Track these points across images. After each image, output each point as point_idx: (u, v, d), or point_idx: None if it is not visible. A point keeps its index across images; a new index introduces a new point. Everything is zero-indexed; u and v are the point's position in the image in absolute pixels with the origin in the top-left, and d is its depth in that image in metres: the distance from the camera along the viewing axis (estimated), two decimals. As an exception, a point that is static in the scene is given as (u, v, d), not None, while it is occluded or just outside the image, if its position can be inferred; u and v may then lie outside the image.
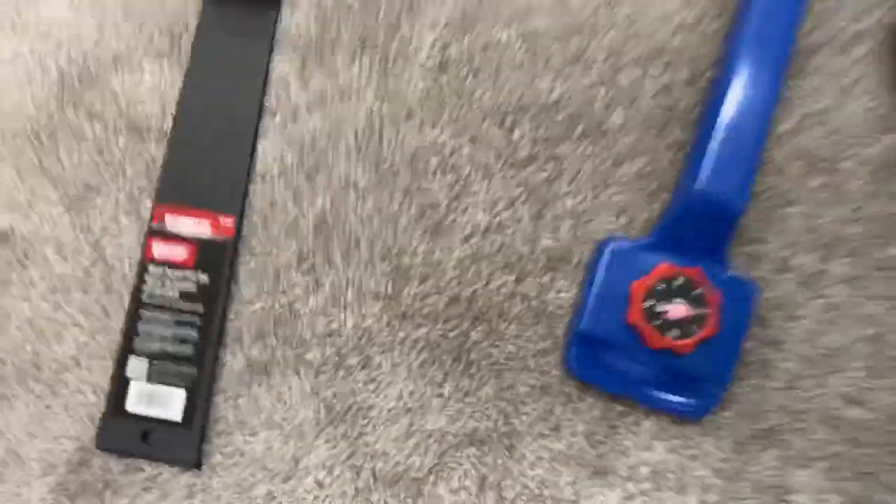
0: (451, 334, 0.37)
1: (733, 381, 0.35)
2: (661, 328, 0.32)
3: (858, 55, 0.38)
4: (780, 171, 0.37)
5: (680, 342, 0.32)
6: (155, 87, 0.39)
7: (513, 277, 0.37)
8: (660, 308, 0.33)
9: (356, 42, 0.39)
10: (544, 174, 0.38)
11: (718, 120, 0.33)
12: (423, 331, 0.37)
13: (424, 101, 0.38)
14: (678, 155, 0.37)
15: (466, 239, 0.37)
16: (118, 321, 0.37)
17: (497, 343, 0.37)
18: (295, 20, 0.39)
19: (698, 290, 0.33)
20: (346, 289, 0.37)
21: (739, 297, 0.33)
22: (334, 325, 0.37)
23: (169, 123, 0.38)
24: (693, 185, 0.33)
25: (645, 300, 0.33)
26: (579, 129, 0.38)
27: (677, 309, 0.32)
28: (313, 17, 0.39)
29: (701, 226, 0.33)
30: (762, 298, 0.35)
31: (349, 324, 0.37)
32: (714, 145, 0.33)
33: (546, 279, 0.37)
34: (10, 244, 0.38)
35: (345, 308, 0.37)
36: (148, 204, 0.38)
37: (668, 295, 0.33)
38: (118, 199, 0.38)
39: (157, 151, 0.38)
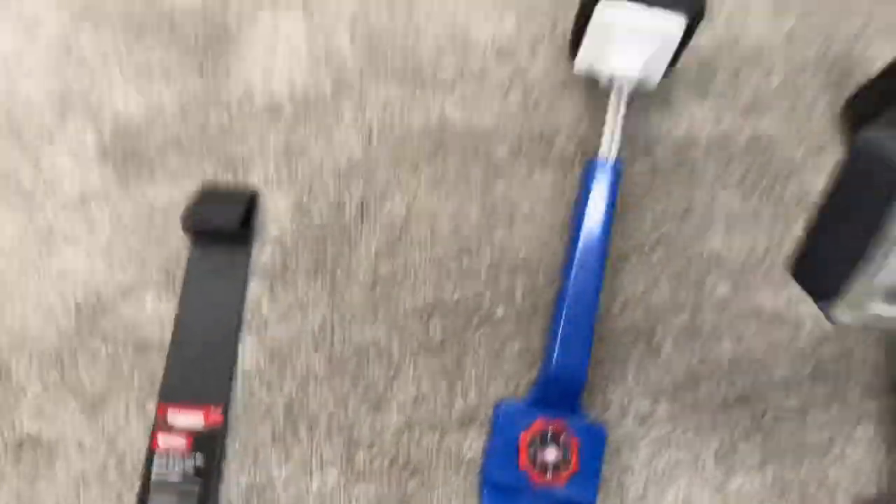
0: (394, 489, 0.48)
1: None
2: (542, 469, 0.46)
3: (659, 255, 0.55)
4: (616, 341, 0.53)
5: (554, 479, 0.45)
6: (155, 312, 0.51)
7: (437, 436, 0.50)
8: (539, 454, 0.46)
9: (311, 267, 0.53)
10: (454, 355, 0.52)
11: (561, 312, 0.49)
12: (372, 487, 0.48)
13: (364, 307, 0.52)
14: (543, 336, 0.52)
15: (401, 410, 0.50)
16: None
17: (430, 491, 0.49)
18: (263, 255, 0.53)
19: (563, 437, 0.46)
20: (311, 458, 0.49)
21: (594, 438, 0.48)
22: (302, 488, 0.48)
23: (167, 339, 0.50)
24: (550, 362, 0.48)
25: (529, 448, 0.46)
26: (475, 320, 0.53)
27: (550, 453, 0.46)
28: (278, 252, 0.53)
29: (559, 389, 0.48)
30: (611, 436, 0.50)
31: (314, 487, 0.48)
32: (560, 330, 0.48)
33: (461, 435, 0.50)
34: (38, 447, 0.47)
35: (310, 474, 0.48)
36: (152, 404, 0.49)
37: (544, 443, 0.46)
38: (128, 403, 0.49)
39: (158, 362, 0.50)
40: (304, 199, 0.54)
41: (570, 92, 0.58)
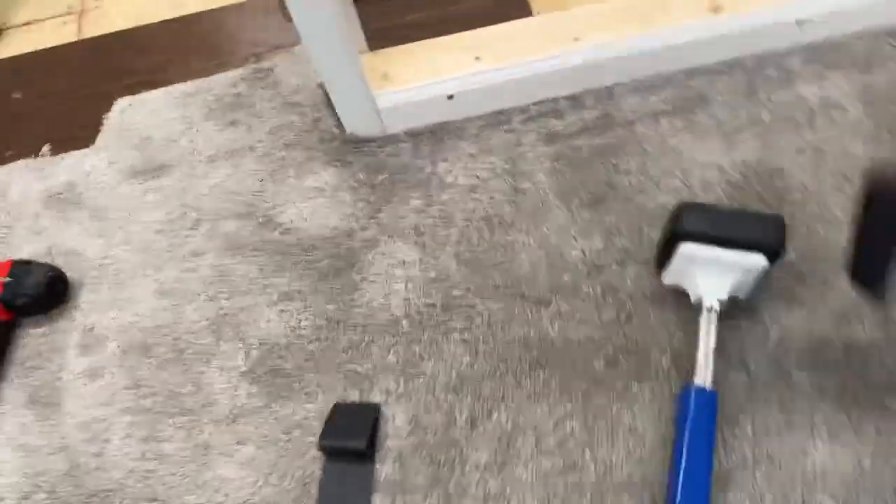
0: None
1: None
2: None
3: (763, 472, 0.56)
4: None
5: None
6: (293, 523, 0.57)
7: None
8: None
9: (427, 483, 0.58)
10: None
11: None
12: None
13: (475, 519, 0.56)
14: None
15: None
16: None
17: None
18: (384, 469, 0.59)
19: None
20: None
21: None
22: None
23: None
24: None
25: None
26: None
27: None
28: (397, 468, 0.58)
29: None
30: None
31: None
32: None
33: None
34: None
35: None
36: None
37: None
38: None
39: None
40: (420, 412, 0.61)
41: (660, 304, 0.63)
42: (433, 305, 0.66)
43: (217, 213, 0.74)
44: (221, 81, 0.83)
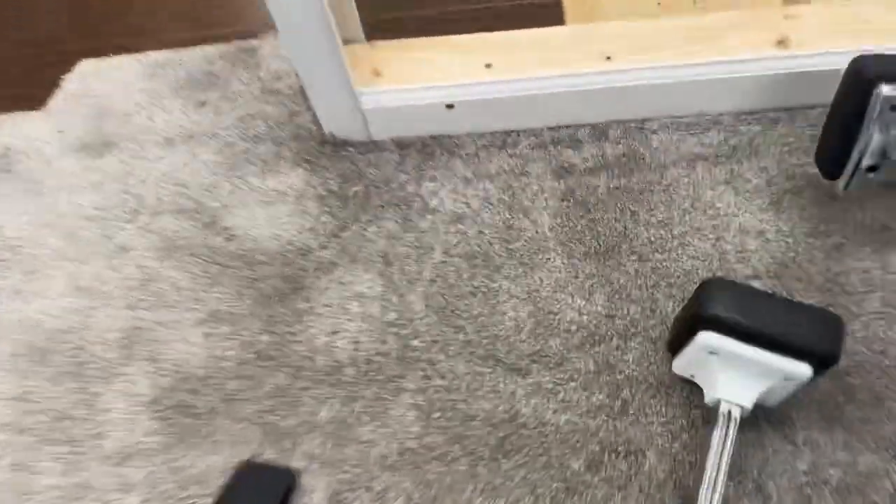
0: None
1: None
2: None
3: None
4: None
5: None
6: None
7: None
8: None
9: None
10: None
11: None
12: None
13: None
14: None
15: None
16: None
17: None
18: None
19: None
20: None
21: None
22: None
23: None
24: None
25: None
26: None
27: None
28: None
29: None
30: None
31: None
32: None
33: None
34: None
35: None
36: None
37: None
38: None
39: None
40: (344, 490, 0.49)
41: (665, 396, 0.50)
42: (386, 355, 0.54)
43: (158, 206, 0.63)
44: (198, 56, 0.72)
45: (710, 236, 0.57)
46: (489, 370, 0.52)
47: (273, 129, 0.66)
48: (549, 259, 0.57)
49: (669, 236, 0.57)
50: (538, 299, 0.55)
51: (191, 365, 0.54)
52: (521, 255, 0.57)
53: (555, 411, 0.50)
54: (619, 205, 0.59)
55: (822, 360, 0.41)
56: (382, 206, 0.61)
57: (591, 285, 0.55)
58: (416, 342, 0.54)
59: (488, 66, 0.62)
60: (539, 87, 0.61)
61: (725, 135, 0.62)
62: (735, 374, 0.43)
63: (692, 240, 0.57)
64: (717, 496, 0.43)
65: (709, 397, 0.46)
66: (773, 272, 0.55)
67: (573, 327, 0.54)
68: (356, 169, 0.63)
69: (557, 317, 0.54)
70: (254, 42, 0.73)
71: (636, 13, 0.67)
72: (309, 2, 0.51)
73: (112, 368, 0.55)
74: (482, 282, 0.56)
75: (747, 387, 0.44)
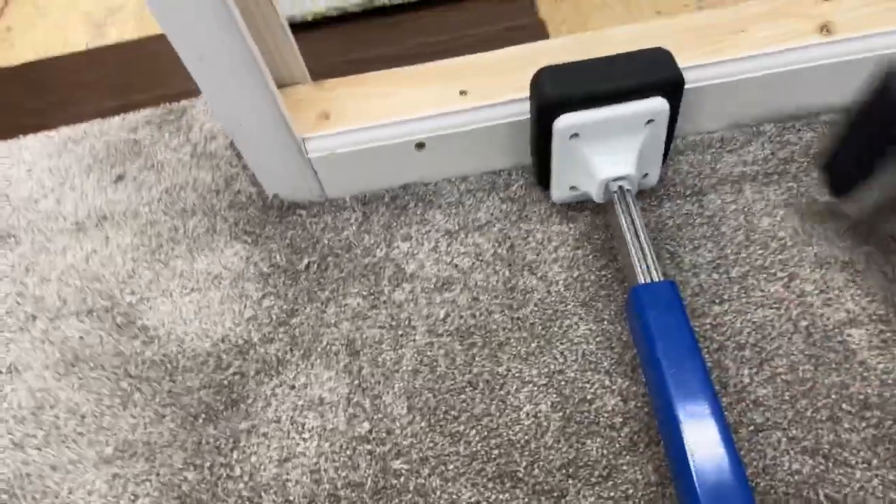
0: None
1: None
2: None
3: None
4: None
5: None
6: None
7: None
8: None
9: None
10: None
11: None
12: None
13: None
14: None
15: None
16: None
17: None
18: None
19: None
20: None
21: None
22: None
23: None
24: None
25: None
26: None
27: None
28: None
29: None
30: None
31: None
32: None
33: None
34: None
35: None
36: None
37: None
38: None
39: None
40: None
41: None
42: (359, 486, 0.38)
43: (61, 308, 0.49)
44: (117, 125, 0.60)
45: (781, 275, 0.43)
46: (506, 496, 0.37)
47: (205, 198, 0.53)
48: (570, 326, 0.43)
49: (726, 281, 0.43)
50: (563, 383, 0.40)
51: (87, 529, 0.39)
52: (532, 324, 0.43)
53: (608, 551, 0.34)
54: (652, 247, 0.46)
55: (670, 86, 0.41)
56: (344, 279, 0.47)
57: (633, 357, 0.41)
58: (398, 463, 0.39)
59: (463, 93, 0.50)
60: (528, 113, 0.48)
61: (772, 147, 0.49)
62: (604, 148, 0.42)
63: (757, 282, 0.43)
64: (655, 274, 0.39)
65: (595, 191, 0.43)
66: (877, 316, 0.40)
67: (617, 420, 0.39)
68: (308, 235, 0.49)
69: (593, 406, 0.39)
70: (185, 102, 0.62)
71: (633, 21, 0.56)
72: (225, 35, 0.39)
73: (-20, 541, 0.39)
74: (484, 366, 0.42)
75: (621, 153, 0.42)
